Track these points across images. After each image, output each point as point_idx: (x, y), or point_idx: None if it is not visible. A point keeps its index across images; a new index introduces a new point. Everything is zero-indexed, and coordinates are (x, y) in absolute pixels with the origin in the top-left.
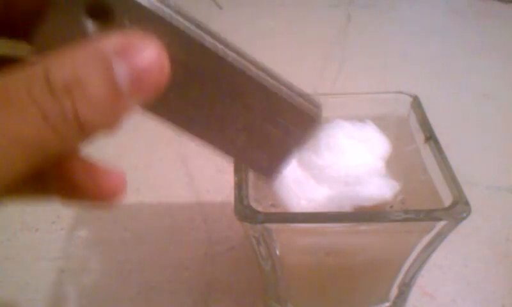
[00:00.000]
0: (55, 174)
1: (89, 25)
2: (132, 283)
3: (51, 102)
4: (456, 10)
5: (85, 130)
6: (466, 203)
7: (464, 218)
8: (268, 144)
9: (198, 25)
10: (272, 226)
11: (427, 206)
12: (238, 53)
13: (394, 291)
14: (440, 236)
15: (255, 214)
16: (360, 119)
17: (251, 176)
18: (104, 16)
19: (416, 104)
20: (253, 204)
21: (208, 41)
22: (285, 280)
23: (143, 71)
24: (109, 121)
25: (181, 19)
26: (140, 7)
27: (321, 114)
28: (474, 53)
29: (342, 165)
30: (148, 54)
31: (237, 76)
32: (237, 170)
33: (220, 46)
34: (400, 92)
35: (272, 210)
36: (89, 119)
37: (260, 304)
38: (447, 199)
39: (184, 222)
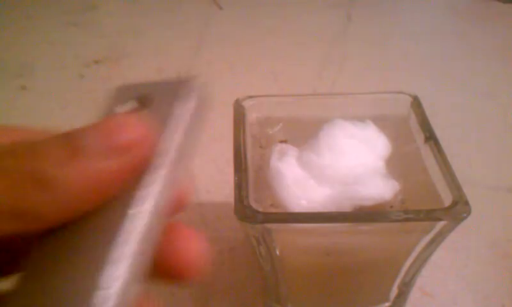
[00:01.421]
0: None
1: None
2: None
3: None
4: (456, 10)
5: (42, 182)
6: (466, 203)
7: (464, 218)
8: None
9: None
10: (272, 226)
11: (427, 206)
12: None
13: (394, 291)
14: (440, 236)
15: (255, 214)
16: (360, 119)
17: (251, 176)
18: None
19: (416, 104)
20: (253, 205)
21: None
22: (285, 280)
23: (108, 135)
24: (74, 178)
25: None
26: None
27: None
28: (474, 53)
29: (342, 165)
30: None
31: None
32: (237, 170)
33: None
34: (400, 92)
35: (272, 210)
36: (42, 169)
37: (260, 304)
38: (447, 199)
39: (183, 222)
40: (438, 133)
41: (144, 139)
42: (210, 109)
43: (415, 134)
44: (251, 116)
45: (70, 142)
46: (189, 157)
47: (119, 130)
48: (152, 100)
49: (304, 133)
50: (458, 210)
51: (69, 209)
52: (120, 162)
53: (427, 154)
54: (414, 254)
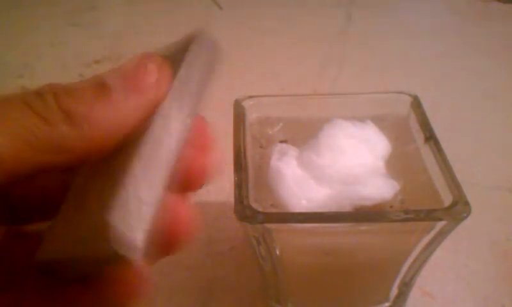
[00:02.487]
0: None
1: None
2: None
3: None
4: (455, 10)
5: (72, 118)
6: (466, 203)
7: (464, 218)
8: None
9: None
10: (272, 226)
11: (427, 206)
12: None
13: (394, 291)
14: (440, 236)
15: (255, 214)
16: (360, 119)
17: (251, 176)
18: None
19: (416, 104)
20: (253, 205)
21: None
22: (285, 280)
23: (133, 75)
24: (95, 111)
25: None
26: None
27: None
28: (474, 53)
29: (342, 165)
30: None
31: None
32: (237, 170)
33: None
34: (401, 92)
35: (272, 210)
36: (72, 107)
37: (260, 304)
38: (447, 199)
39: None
40: (438, 133)
41: (162, 79)
42: (219, 54)
43: (415, 134)
44: (251, 116)
45: (98, 84)
46: (200, 95)
47: (142, 71)
48: (170, 54)
49: (304, 134)
50: (458, 210)
51: (97, 143)
52: (141, 99)
53: (427, 154)
54: (414, 254)
